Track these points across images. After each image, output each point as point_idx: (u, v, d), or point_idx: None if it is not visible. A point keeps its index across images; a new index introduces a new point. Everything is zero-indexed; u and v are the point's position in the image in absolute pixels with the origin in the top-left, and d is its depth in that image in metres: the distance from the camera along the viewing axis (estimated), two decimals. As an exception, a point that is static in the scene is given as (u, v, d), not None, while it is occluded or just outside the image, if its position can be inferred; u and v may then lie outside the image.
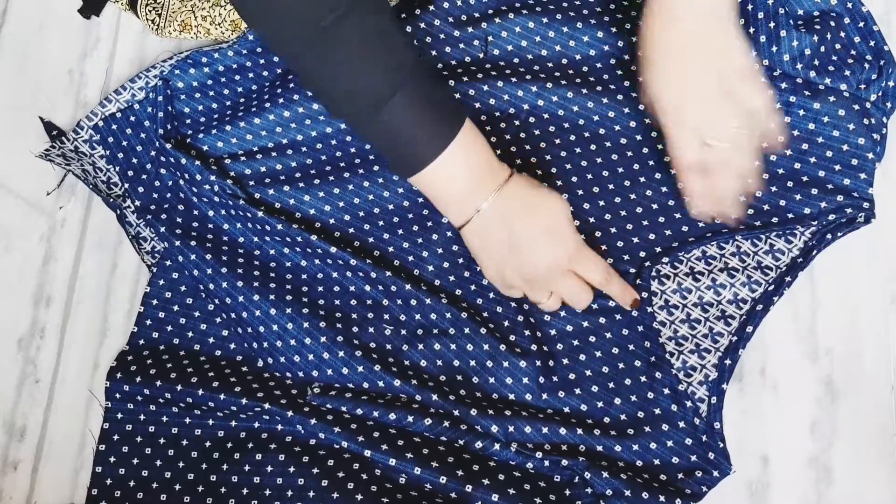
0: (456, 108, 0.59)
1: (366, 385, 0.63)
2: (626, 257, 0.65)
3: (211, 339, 0.66)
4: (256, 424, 0.63)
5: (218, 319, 0.66)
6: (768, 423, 0.62)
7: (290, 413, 0.61)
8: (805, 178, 0.65)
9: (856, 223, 0.64)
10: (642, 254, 0.64)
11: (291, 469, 0.61)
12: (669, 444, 0.60)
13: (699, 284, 0.63)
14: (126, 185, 0.70)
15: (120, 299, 0.69)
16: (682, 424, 0.60)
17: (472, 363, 0.62)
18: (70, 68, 0.75)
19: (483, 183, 0.59)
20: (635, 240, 0.65)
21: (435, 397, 0.61)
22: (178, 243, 0.66)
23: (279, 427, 0.63)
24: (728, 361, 0.61)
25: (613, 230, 0.65)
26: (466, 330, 0.63)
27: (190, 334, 0.66)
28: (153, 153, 0.70)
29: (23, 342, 0.69)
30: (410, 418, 0.61)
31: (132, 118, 0.71)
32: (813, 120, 0.65)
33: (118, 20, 0.76)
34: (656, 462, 0.60)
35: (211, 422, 0.64)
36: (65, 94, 0.74)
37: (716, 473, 0.59)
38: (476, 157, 0.59)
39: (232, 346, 0.66)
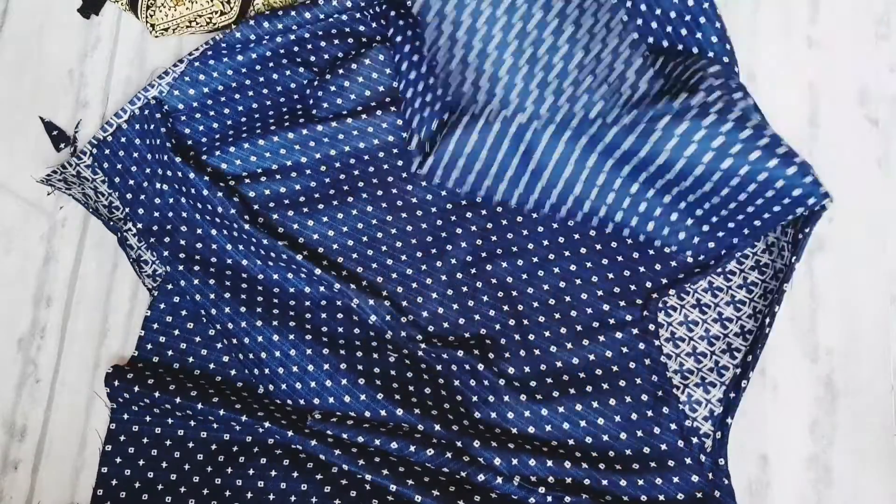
0: None
1: (368, 413, 0.62)
2: (633, 287, 0.64)
3: (212, 365, 0.66)
4: (261, 430, 0.63)
5: (219, 345, 0.66)
6: (768, 422, 0.62)
7: (290, 433, 0.61)
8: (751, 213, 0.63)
9: (816, 210, 0.61)
10: (648, 284, 0.64)
11: (295, 474, 0.61)
12: (675, 480, 0.59)
13: (705, 317, 0.63)
14: (127, 209, 0.69)
15: (120, 299, 0.69)
16: (688, 461, 0.60)
17: (475, 399, 0.62)
18: (70, 68, 0.75)
19: None
20: (641, 269, 0.65)
21: (438, 427, 0.60)
22: (181, 267, 0.66)
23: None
24: (732, 395, 0.60)
25: (620, 258, 0.65)
26: (467, 367, 0.63)
27: (190, 359, 0.66)
28: (148, 171, 0.70)
29: (23, 342, 0.69)
30: (412, 448, 0.60)
31: (123, 139, 0.71)
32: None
33: (118, 20, 0.76)
34: (661, 498, 0.59)
35: (216, 425, 0.63)
36: (65, 94, 0.74)
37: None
38: None
39: (233, 371, 0.66)
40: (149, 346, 0.66)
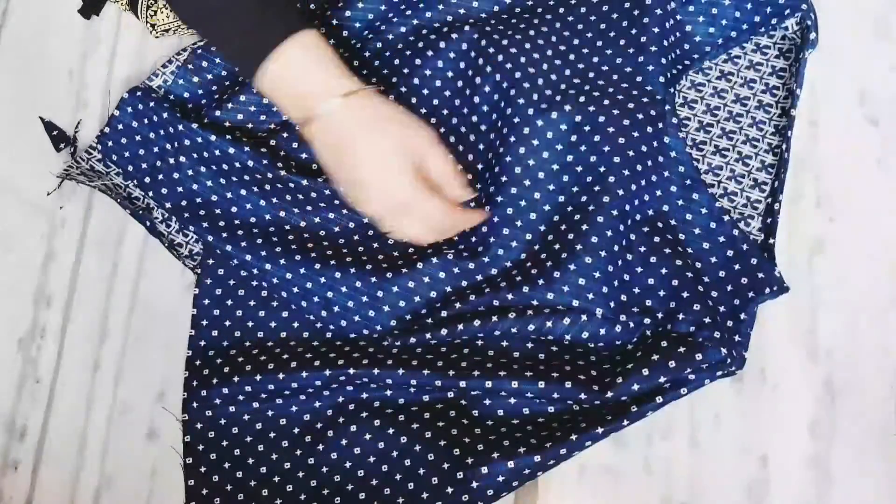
0: (293, 10, 0.59)
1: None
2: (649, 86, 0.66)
3: (273, 324, 0.66)
4: (341, 399, 0.63)
5: (274, 303, 0.66)
6: (768, 423, 0.62)
7: (376, 371, 0.61)
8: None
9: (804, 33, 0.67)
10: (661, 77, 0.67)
11: (391, 431, 0.61)
12: (713, 260, 0.62)
13: (726, 160, 0.67)
14: (150, 194, 0.69)
15: (120, 299, 0.69)
16: (721, 239, 0.63)
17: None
18: (70, 68, 0.75)
19: (324, 87, 0.57)
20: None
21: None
22: (225, 235, 0.66)
23: (364, 395, 0.62)
24: (769, 220, 0.64)
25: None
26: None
27: (250, 324, 0.66)
28: (156, 149, 0.69)
29: (23, 342, 0.69)
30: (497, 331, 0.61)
31: (119, 126, 0.71)
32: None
33: (118, 20, 0.76)
34: (706, 279, 0.62)
35: (294, 408, 0.63)
36: (65, 94, 0.74)
37: (767, 290, 0.61)
38: (318, 59, 0.57)
39: (295, 324, 0.65)
40: (204, 322, 0.66)
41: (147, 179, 0.69)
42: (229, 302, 0.66)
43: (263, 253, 0.65)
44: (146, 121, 0.70)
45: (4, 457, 0.66)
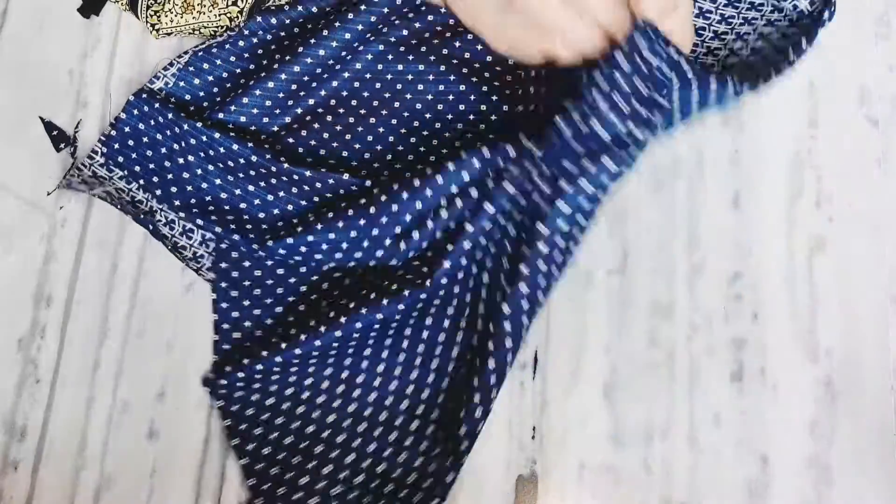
0: None
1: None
2: None
3: (279, 308, 0.67)
4: (354, 334, 0.64)
5: (291, 298, 0.67)
6: (768, 423, 0.62)
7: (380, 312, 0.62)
8: None
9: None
10: None
11: (401, 357, 0.64)
12: None
13: None
14: (158, 193, 0.69)
15: (120, 299, 0.69)
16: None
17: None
18: (70, 68, 0.75)
19: None
20: None
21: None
22: (236, 237, 0.67)
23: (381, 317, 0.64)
24: None
25: None
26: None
27: (269, 321, 0.67)
28: (164, 150, 0.70)
29: (23, 342, 0.69)
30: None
31: (126, 129, 0.70)
32: None
33: (118, 20, 0.76)
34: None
35: (313, 361, 0.65)
36: (65, 94, 0.74)
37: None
38: None
39: (301, 307, 0.66)
40: (225, 326, 0.67)
41: (155, 179, 0.69)
42: (247, 302, 0.67)
43: (281, 251, 0.66)
44: (152, 122, 0.70)
45: (4, 457, 0.66)
